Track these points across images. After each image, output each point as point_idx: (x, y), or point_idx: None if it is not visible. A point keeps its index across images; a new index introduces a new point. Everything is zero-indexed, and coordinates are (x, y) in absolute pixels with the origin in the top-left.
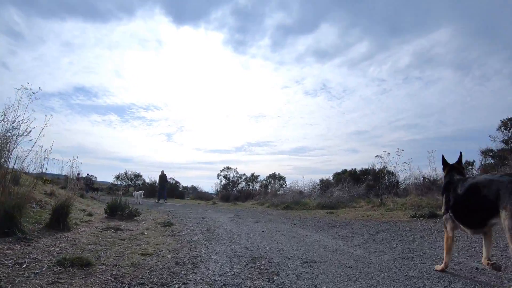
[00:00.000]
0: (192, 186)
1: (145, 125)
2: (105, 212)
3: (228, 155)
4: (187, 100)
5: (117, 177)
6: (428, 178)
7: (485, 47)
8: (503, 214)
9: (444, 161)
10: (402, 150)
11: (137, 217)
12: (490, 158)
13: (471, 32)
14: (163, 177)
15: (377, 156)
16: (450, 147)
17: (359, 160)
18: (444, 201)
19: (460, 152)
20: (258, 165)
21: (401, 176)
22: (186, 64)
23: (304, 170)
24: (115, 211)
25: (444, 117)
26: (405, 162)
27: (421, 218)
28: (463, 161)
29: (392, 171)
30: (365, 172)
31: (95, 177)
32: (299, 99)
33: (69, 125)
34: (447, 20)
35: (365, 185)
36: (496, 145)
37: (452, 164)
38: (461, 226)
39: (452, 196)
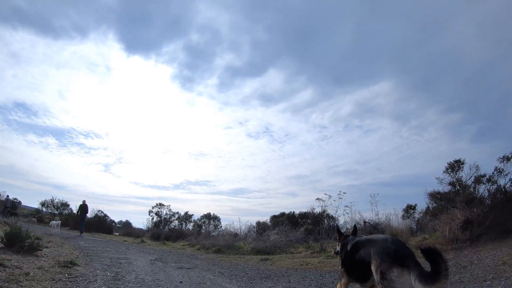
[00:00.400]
0: (127, 221)
1: (83, 153)
2: (1, 241)
3: (166, 192)
4: (128, 131)
5: (43, 204)
6: (369, 222)
7: (423, 100)
8: (373, 265)
9: (339, 231)
10: (344, 193)
11: (40, 251)
12: (438, 201)
13: (410, 85)
14: (83, 207)
15: (317, 199)
16: (387, 192)
17: (298, 204)
18: (340, 260)
19: (355, 225)
20: (196, 204)
21: (341, 220)
22: (132, 94)
23: (242, 212)
24: (14, 242)
25: (381, 164)
26: (347, 206)
27: None
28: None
29: (332, 215)
30: (304, 215)
31: (19, 201)
32: (241, 140)
33: (3, 141)
34: (389, 73)
35: (304, 229)
36: (443, 188)
37: (346, 234)
38: (351, 279)
39: (344, 253)
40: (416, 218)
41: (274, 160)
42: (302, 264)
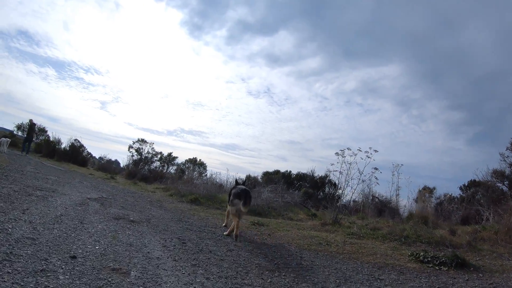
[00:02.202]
0: (116, 160)
1: (81, 88)
2: None
3: (159, 137)
4: (130, 71)
5: (18, 127)
6: (378, 198)
7: (428, 91)
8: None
9: (236, 181)
10: (376, 151)
11: None
12: (500, 184)
13: (418, 74)
14: (31, 126)
15: (337, 153)
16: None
17: (286, 168)
18: (229, 196)
19: (244, 178)
20: (186, 153)
21: (350, 188)
22: (137, 34)
23: (231, 167)
24: None
25: (375, 145)
26: (376, 168)
27: (442, 267)
28: None
29: (334, 182)
30: (301, 177)
31: None
32: (240, 96)
33: (2, 68)
34: (400, 58)
35: (303, 192)
36: (501, 167)
37: (238, 182)
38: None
39: (229, 193)
40: (433, 203)
41: (270, 122)
42: (319, 243)
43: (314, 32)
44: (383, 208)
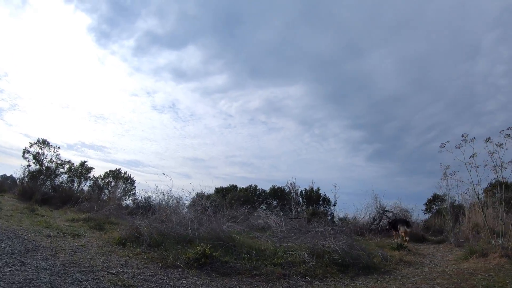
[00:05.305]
0: (11, 175)
1: None
2: None
3: (59, 151)
4: (30, 77)
5: None
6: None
7: (331, 112)
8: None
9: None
10: None
11: None
12: None
13: (321, 95)
14: None
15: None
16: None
17: (191, 186)
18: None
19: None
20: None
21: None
22: (42, 36)
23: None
24: None
25: (278, 162)
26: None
27: None
28: None
29: (328, 197)
30: (276, 193)
31: None
32: (145, 111)
33: None
34: (305, 79)
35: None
36: None
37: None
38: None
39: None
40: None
41: (174, 138)
42: None
43: (223, 50)
44: None
